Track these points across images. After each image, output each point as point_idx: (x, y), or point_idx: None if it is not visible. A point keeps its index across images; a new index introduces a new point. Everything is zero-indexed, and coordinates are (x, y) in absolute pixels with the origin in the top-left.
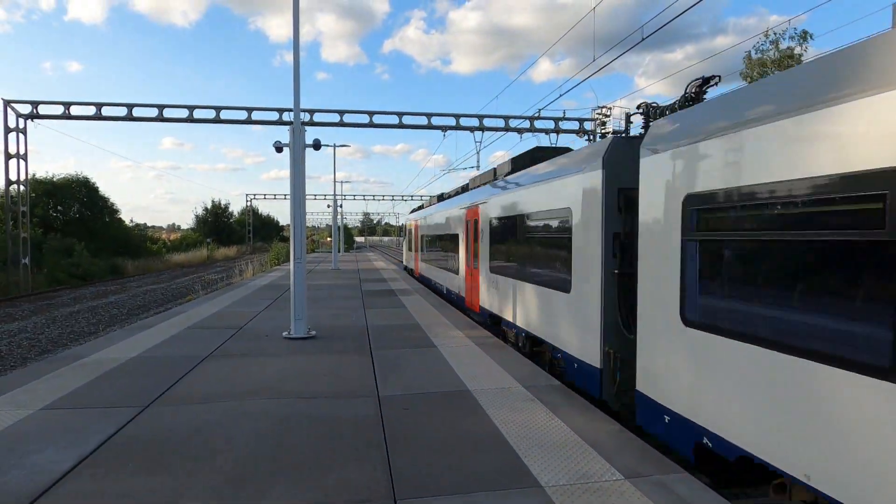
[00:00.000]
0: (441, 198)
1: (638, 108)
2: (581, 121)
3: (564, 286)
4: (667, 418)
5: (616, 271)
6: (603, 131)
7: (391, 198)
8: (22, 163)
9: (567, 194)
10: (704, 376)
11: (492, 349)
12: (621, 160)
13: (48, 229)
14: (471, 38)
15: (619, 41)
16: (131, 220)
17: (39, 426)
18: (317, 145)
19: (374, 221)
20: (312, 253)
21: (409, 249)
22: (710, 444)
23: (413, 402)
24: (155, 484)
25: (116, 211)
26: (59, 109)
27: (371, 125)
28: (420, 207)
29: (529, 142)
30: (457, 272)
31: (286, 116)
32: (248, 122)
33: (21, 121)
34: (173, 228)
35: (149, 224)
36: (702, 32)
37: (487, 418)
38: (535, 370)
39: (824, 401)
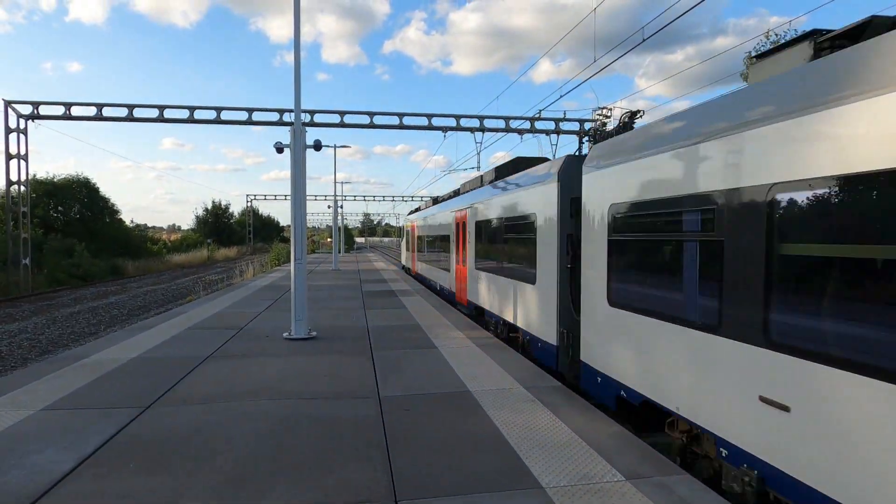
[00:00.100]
0: (436, 201)
1: (586, 132)
2: (581, 121)
3: (531, 279)
4: (599, 379)
5: (569, 266)
6: (602, 131)
7: (391, 198)
8: (22, 163)
9: (533, 202)
10: (620, 343)
11: (492, 350)
12: (573, 174)
13: (49, 230)
14: (471, 39)
15: (619, 42)
16: (132, 221)
17: (40, 427)
18: (318, 146)
19: (375, 222)
20: (313, 254)
21: (407, 249)
22: (625, 395)
23: (414, 403)
24: (155, 484)
25: (117, 211)
26: (60, 110)
27: (371, 126)
28: (417, 210)
29: (530, 142)
30: (448, 270)
31: (287, 117)
32: (249, 122)
33: (22, 121)
34: (174, 229)
35: (149, 224)
36: (702, 33)
37: (488, 419)
38: (536, 371)
39: (687, 354)
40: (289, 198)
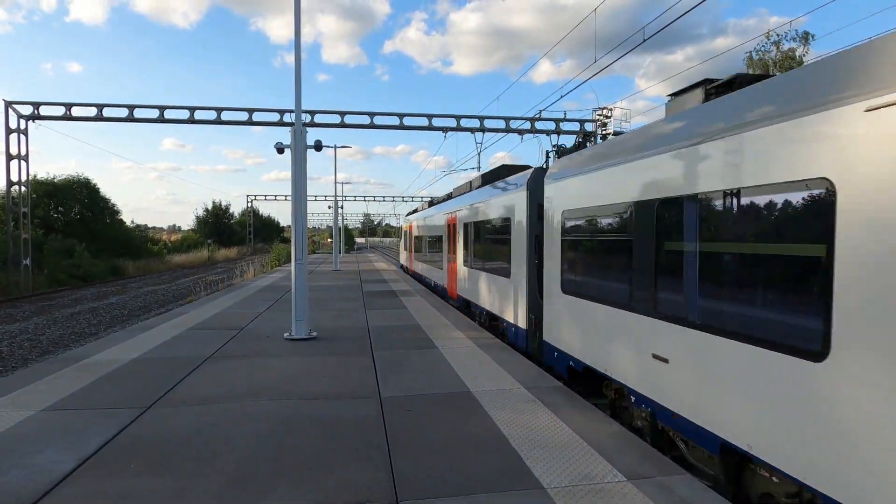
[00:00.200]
0: (431, 203)
1: (554, 146)
2: (582, 122)
3: (507, 274)
4: (556, 354)
5: (536, 261)
6: (603, 132)
7: (392, 199)
8: (23, 164)
9: (508, 207)
10: (569, 323)
11: (493, 350)
12: (539, 184)
13: (49, 230)
14: (471, 40)
15: (620, 42)
16: (132, 221)
17: (41, 427)
18: (318, 146)
19: (375, 222)
20: (313, 254)
21: (405, 249)
22: (573, 364)
23: (414, 403)
24: (156, 485)
25: (117, 212)
26: (61, 110)
27: (372, 126)
28: (414, 211)
29: (530, 142)
30: (441, 268)
31: (287, 117)
32: (249, 123)
33: (22, 122)
34: (174, 229)
35: (149, 225)
36: (702, 33)
37: (489, 419)
38: (537, 371)
39: (610, 327)
40: (289, 198)
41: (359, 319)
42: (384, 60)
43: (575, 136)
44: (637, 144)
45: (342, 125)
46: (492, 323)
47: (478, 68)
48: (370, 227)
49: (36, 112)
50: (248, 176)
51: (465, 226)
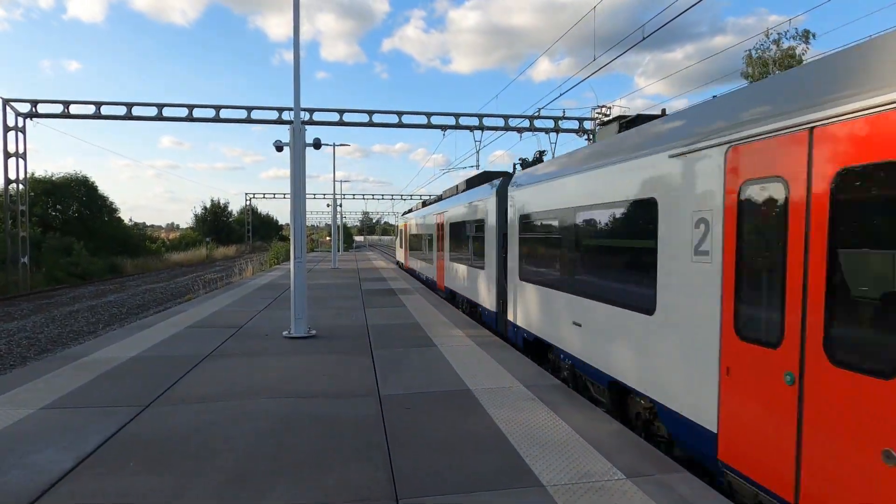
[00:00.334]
0: (424, 204)
1: (520, 160)
2: (581, 120)
3: (482, 265)
4: (515, 330)
5: (503, 255)
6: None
7: (390, 197)
8: (21, 162)
9: (482, 209)
10: (524, 303)
11: (492, 348)
12: (506, 190)
13: (47, 228)
14: (470, 38)
15: (619, 41)
16: (130, 219)
17: (39, 426)
18: (317, 144)
19: (374, 221)
20: (312, 252)
21: (400, 247)
22: (526, 336)
23: (414, 402)
24: (155, 483)
25: (115, 210)
26: (59, 108)
27: (370, 124)
28: (409, 211)
29: (529, 141)
30: (431, 263)
31: (286, 115)
32: (248, 121)
33: (20, 119)
34: (172, 227)
35: (148, 223)
36: (702, 32)
37: (488, 417)
38: (536, 370)
39: (549, 304)
40: (288, 196)
41: (358, 318)
42: (383, 58)
43: (574, 133)
44: (565, 164)
45: (341, 123)
46: (472, 309)
47: (477, 67)
48: (369, 226)
49: (34, 110)
50: (247, 174)
51: (451, 225)
